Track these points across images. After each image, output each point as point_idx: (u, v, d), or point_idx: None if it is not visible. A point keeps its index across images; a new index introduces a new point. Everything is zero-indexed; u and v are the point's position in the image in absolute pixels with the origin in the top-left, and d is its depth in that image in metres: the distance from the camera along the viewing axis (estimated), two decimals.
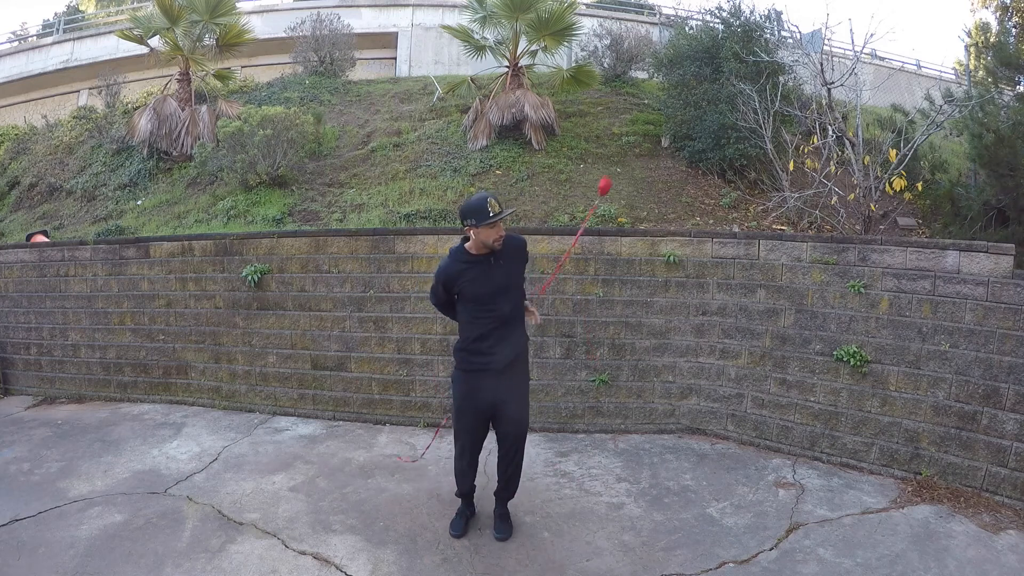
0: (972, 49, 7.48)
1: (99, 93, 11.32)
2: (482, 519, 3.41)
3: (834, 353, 4.10)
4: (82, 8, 21.39)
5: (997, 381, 3.60)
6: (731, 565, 3.00)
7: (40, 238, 6.83)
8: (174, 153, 8.57)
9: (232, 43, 9.39)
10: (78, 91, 14.91)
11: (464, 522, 3.33)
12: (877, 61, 13.83)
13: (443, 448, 4.15)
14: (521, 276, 3.19)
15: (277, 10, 15.05)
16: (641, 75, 10.15)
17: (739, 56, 6.65)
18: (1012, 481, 3.50)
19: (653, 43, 10.52)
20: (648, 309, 4.68)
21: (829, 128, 5.61)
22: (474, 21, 8.21)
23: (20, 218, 8.56)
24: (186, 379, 5.60)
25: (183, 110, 8.63)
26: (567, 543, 3.20)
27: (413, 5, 14.57)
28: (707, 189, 6.78)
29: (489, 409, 3.11)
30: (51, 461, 4.34)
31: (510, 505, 3.38)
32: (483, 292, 3.02)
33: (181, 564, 3.05)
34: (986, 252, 3.72)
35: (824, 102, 5.89)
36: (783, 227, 5.93)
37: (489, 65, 8.61)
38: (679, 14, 11.28)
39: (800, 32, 7.16)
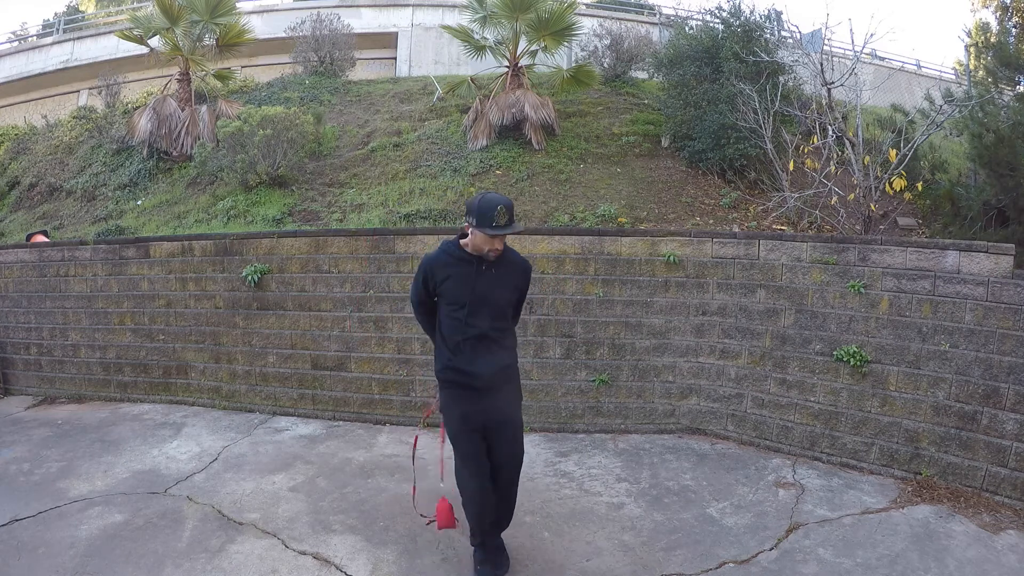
0: (972, 49, 7.48)
1: (99, 93, 11.32)
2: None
3: (834, 353, 4.10)
4: (82, 8, 21.40)
5: (997, 381, 3.60)
6: (731, 565, 3.00)
7: (40, 238, 6.83)
8: (174, 153, 8.57)
9: (232, 43, 9.40)
10: (78, 91, 14.92)
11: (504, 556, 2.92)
12: (877, 61, 13.82)
13: (447, 448, 4.11)
14: (512, 297, 2.86)
15: (277, 10, 15.05)
16: (641, 75, 10.15)
17: (739, 56, 6.65)
18: (1012, 481, 3.50)
19: (653, 43, 10.52)
20: (648, 309, 4.68)
21: (829, 128, 5.61)
22: (474, 21, 8.22)
23: (20, 218, 8.56)
24: (186, 379, 5.60)
25: (183, 110, 8.64)
26: (567, 543, 3.20)
27: (413, 5, 14.58)
28: (707, 189, 6.78)
29: (482, 430, 2.83)
30: (51, 461, 4.34)
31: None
32: (462, 296, 2.72)
33: (181, 564, 3.05)
34: (986, 252, 3.72)
35: (824, 102, 5.89)
36: (783, 227, 5.93)
37: (489, 65, 8.61)
38: (679, 14, 11.28)
39: (800, 32, 7.16)
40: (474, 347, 2.74)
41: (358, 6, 14.51)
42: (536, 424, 4.74)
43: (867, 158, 5.28)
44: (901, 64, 14.40)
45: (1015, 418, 3.52)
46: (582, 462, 4.17)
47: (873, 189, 5.25)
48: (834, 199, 5.40)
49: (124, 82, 11.69)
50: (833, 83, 5.79)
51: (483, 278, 2.73)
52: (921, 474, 3.79)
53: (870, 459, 3.98)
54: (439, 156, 7.62)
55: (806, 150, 5.71)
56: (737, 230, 5.65)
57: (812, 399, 4.19)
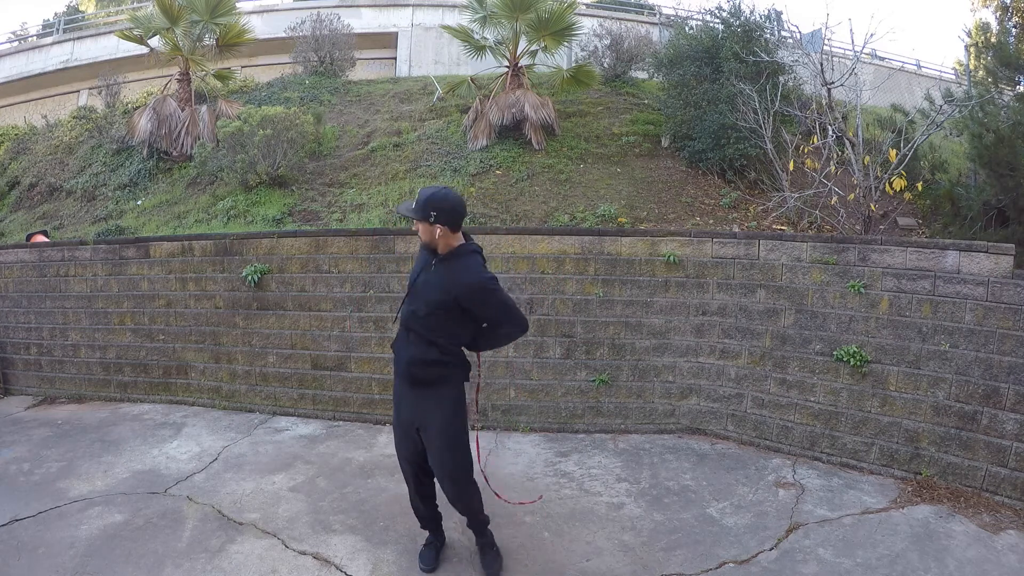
0: (972, 49, 7.49)
1: (99, 93, 11.32)
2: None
3: (834, 353, 4.10)
4: (82, 8, 21.41)
5: (997, 381, 3.60)
6: (731, 565, 3.00)
7: (40, 238, 6.83)
8: (174, 153, 8.57)
9: (232, 43, 9.40)
10: (78, 91, 14.92)
11: (435, 553, 3.03)
12: (877, 61, 13.83)
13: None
14: (442, 303, 2.62)
15: (277, 10, 15.06)
16: (641, 75, 10.15)
17: (739, 56, 6.65)
18: (1012, 481, 3.50)
19: (653, 43, 10.52)
20: (648, 309, 4.68)
21: (829, 128, 5.61)
22: (474, 21, 8.22)
23: (20, 218, 8.56)
24: (186, 379, 5.60)
25: (183, 110, 8.64)
26: (567, 543, 3.20)
27: (413, 5, 14.58)
28: (707, 189, 6.78)
29: (409, 426, 2.79)
30: (51, 461, 4.34)
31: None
32: (410, 282, 2.79)
33: (181, 564, 3.05)
34: (986, 252, 3.72)
35: (824, 102, 5.89)
36: (783, 227, 5.93)
37: (489, 65, 8.61)
38: (679, 14, 11.28)
39: (800, 32, 7.16)
40: (402, 333, 2.80)
41: (358, 6, 14.52)
42: (536, 424, 4.75)
43: (867, 158, 5.28)
44: (901, 64, 14.40)
45: (1015, 418, 3.52)
46: (582, 462, 4.17)
47: (873, 189, 5.25)
48: (834, 199, 5.40)
49: (124, 82, 11.69)
50: (833, 83, 5.79)
51: (427, 272, 2.72)
52: (921, 474, 3.79)
53: (870, 459, 3.98)
54: (439, 156, 7.62)
55: (806, 150, 5.72)
56: (737, 230, 5.65)
57: (812, 399, 4.19)
